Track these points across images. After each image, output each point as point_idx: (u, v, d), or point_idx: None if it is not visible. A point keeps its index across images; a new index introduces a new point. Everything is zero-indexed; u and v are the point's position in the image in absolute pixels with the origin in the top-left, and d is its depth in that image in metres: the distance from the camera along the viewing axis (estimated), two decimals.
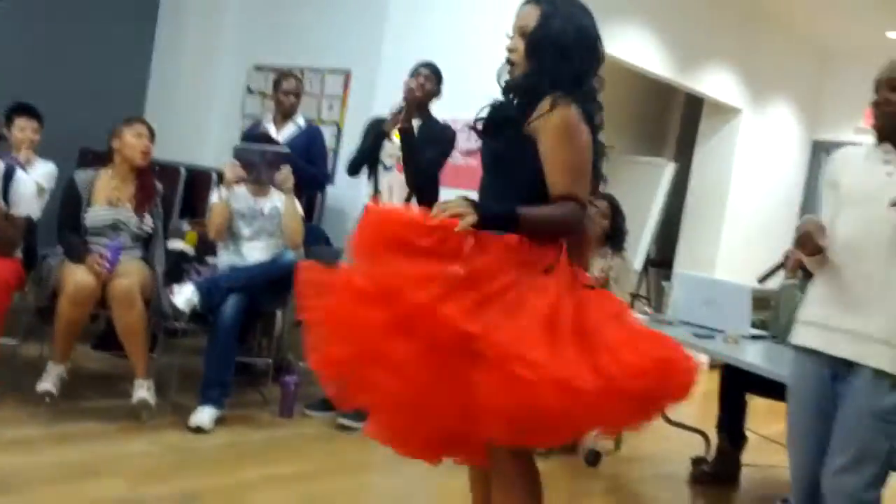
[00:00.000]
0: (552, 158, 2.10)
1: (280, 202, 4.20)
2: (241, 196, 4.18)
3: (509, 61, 2.22)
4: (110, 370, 4.31)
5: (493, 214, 2.03)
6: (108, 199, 3.90)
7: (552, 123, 2.09)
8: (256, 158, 4.13)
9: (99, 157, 4.25)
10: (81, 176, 3.96)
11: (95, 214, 3.87)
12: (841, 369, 2.44)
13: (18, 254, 3.93)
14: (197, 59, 6.33)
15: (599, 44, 2.21)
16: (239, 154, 4.15)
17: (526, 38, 2.17)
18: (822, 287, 2.53)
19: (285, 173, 4.12)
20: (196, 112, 6.26)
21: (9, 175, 3.89)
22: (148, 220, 3.98)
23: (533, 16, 2.16)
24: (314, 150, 4.95)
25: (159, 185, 4.10)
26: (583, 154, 2.13)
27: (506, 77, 2.25)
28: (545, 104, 2.10)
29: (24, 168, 4.05)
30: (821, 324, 2.49)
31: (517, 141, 2.14)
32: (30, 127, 4.24)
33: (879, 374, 2.36)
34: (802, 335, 2.57)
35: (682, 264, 6.99)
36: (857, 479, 2.37)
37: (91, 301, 3.65)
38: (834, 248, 2.46)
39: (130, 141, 3.90)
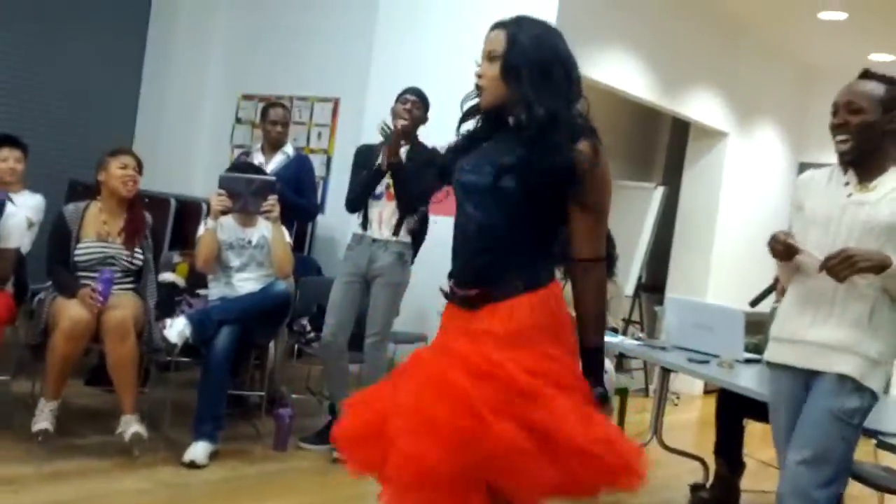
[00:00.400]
0: (587, 218, 2.05)
1: (268, 231, 4.18)
2: (228, 227, 4.17)
3: (478, 87, 2.14)
4: (102, 406, 4.25)
5: (601, 376, 2.06)
6: (97, 233, 3.87)
7: (596, 182, 2.02)
8: (242, 188, 4.11)
9: (88, 190, 4.22)
10: (70, 210, 3.93)
11: (85, 249, 3.84)
12: (811, 379, 2.54)
13: (9, 287, 3.90)
14: (185, 89, 6.36)
15: (574, 63, 2.12)
16: (224, 183, 4.11)
17: (498, 62, 2.08)
18: (791, 304, 2.64)
19: (271, 202, 4.11)
20: (185, 142, 6.27)
21: (11, 210, 3.86)
22: (138, 253, 3.94)
23: (500, 39, 2.09)
24: (303, 179, 4.95)
25: (149, 217, 4.07)
26: (609, 207, 2.10)
27: (471, 103, 2.19)
28: (587, 149, 2.01)
29: (11, 201, 4.02)
30: (788, 339, 2.61)
31: (545, 180, 2.02)
32: (12, 157, 4.21)
33: (843, 377, 2.47)
34: (774, 351, 2.68)
35: (674, 288, 7.00)
36: (811, 476, 2.44)
37: (86, 336, 3.61)
38: (802, 267, 2.56)
39: (116, 173, 3.87)
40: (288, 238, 4.27)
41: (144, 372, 3.88)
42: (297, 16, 6.08)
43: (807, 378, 2.56)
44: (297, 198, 4.70)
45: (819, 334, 2.51)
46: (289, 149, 5.00)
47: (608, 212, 2.09)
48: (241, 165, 4.58)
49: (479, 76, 2.13)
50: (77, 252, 3.82)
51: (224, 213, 4.09)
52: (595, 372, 2.06)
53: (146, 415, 3.70)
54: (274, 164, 4.88)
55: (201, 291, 4.39)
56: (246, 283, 4.17)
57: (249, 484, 3.66)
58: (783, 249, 2.56)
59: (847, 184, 2.56)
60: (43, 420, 3.58)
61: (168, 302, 4.28)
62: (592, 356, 2.07)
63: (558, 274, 2.22)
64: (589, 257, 2.06)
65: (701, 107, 6.79)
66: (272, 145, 4.94)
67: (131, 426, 3.58)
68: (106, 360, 3.69)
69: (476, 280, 2.08)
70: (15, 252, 3.94)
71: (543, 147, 2.02)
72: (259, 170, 4.54)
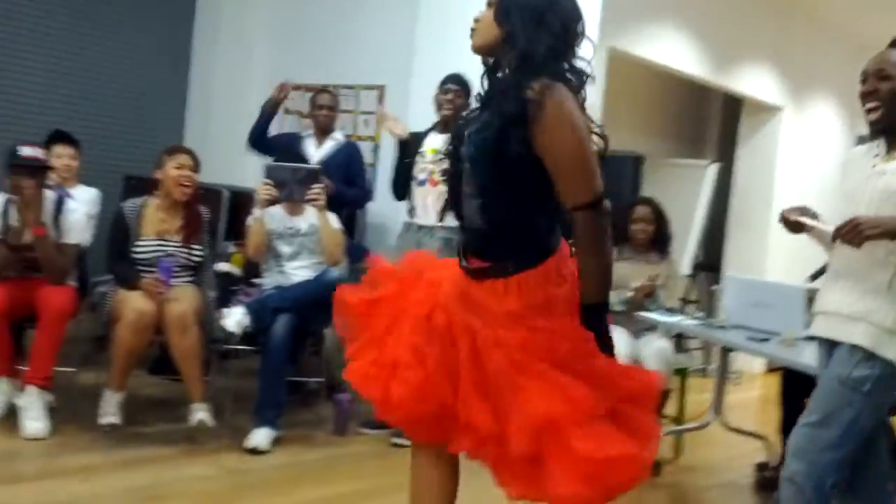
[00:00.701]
0: (559, 162, 1.90)
1: (316, 219, 4.20)
2: (276, 216, 4.21)
3: (471, 31, 2.10)
4: (166, 394, 4.34)
5: (604, 333, 1.97)
6: (156, 231, 3.93)
7: (547, 119, 1.87)
8: (288, 176, 4.14)
9: (143, 183, 4.28)
10: (129, 207, 3.99)
11: (144, 246, 3.89)
12: (833, 349, 2.58)
13: (72, 281, 3.98)
14: (232, 81, 6.40)
15: (575, 16, 2.03)
16: (270, 173, 4.15)
17: (494, 6, 2.04)
18: (827, 277, 2.69)
19: (317, 190, 4.12)
20: (235, 134, 6.26)
21: (59, 205, 3.94)
22: (196, 250, 3.99)
23: None
24: (353, 166, 4.97)
25: (206, 213, 4.11)
26: (586, 143, 1.92)
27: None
28: (537, 88, 1.88)
29: (71, 197, 4.10)
30: (820, 311, 2.66)
31: (518, 141, 1.91)
32: (67, 153, 4.31)
33: (855, 347, 2.51)
34: (812, 325, 2.73)
35: (730, 266, 6.89)
36: (814, 437, 2.49)
37: (151, 327, 3.67)
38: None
39: (172, 173, 3.91)
40: (336, 224, 4.28)
41: (206, 361, 3.92)
42: (339, 4, 6.08)
43: (831, 348, 2.60)
44: (342, 186, 4.69)
45: (841, 304, 2.56)
46: (338, 135, 5.02)
47: (579, 153, 1.90)
48: (287, 154, 4.60)
49: (476, 20, 2.09)
50: (136, 249, 3.88)
51: (271, 202, 4.11)
52: (595, 328, 1.96)
53: (209, 403, 3.74)
54: (324, 150, 4.90)
55: (256, 280, 4.43)
56: (299, 270, 4.20)
57: (311, 469, 3.70)
58: (792, 225, 2.62)
59: (876, 155, 2.57)
60: (110, 414, 3.66)
61: (225, 292, 4.33)
62: (587, 315, 1.95)
63: None
64: (571, 205, 1.92)
65: (754, 82, 6.65)
66: (321, 131, 4.96)
67: (198, 414, 3.64)
68: (169, 351, 3.75)
69: (474, 254, 2.07)
70: (76, 247, 4.02)
71: (499, 95, 1.94)
72: (302, 158, 4.56)
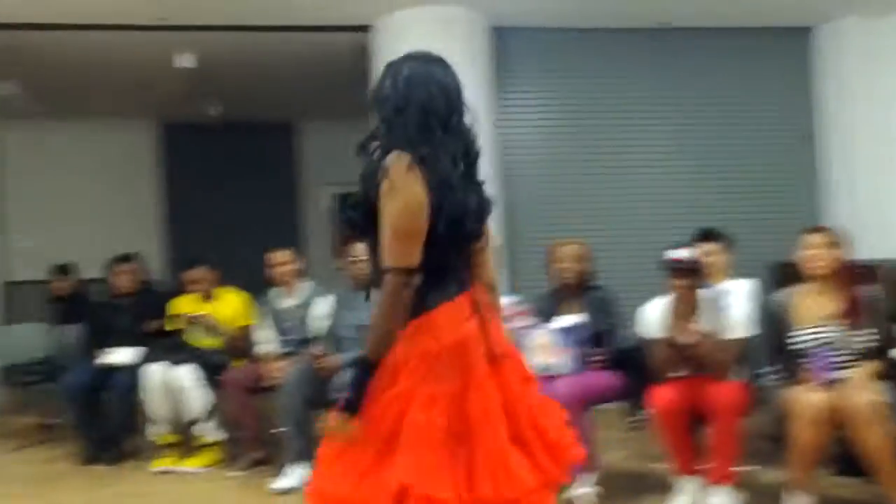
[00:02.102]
0: (382, 227, 1.97)
1: None
2: None
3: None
4: (859, 496, 3.85)
5: (354, 392, 1.97)
6: (812, 317, 3.73)
7: (386, 191, 1.96)
8: None
9: (787, 270, 4.16)
10: (779, 297, 3.88)
11: (802, 335, 3.72)
12: None
13: (741, 376, 3.86)
14: (869, 143, 5.97)
15: (445, 92, 2.07)
16: None
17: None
18: None
19: None
20: (885, 200, 5.65)
21: (717, 302, 3.89)
22: (861, 335, 3.65)
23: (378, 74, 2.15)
24: None
25: (873, 290, 3.76)
26: (405, 218, 1.95)
27: None
28: (386, 164, 1.99)
29: (727, 292, 4.01)
30: None
31: (363, 208, 2.05)
32: (714, 250, 4.27)
33: None
34: None
35: None
36: None
37: (830, 422, 3.42)
38: None
39: (802, 253, 3.76)
40: None
41: None
42: None
43: None
44: None
45: None
46: None
47: (395, 225, 1.94)
48: None
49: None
50: (793, 339, 3.74)
51: None
52: (351, 381, 1.99)
53: None
54: None
55: None
56: None
57: None
58: None
59: None
60: None
61: None
62: (357, 364, 2.00)
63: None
64: (382, 266, 1.97)
65: None
66: None
67: None
68: (854, 448, 3.43)
69: None
70: (740, 342, 3.88)
71: (361, 178, 2.06)
72: None
